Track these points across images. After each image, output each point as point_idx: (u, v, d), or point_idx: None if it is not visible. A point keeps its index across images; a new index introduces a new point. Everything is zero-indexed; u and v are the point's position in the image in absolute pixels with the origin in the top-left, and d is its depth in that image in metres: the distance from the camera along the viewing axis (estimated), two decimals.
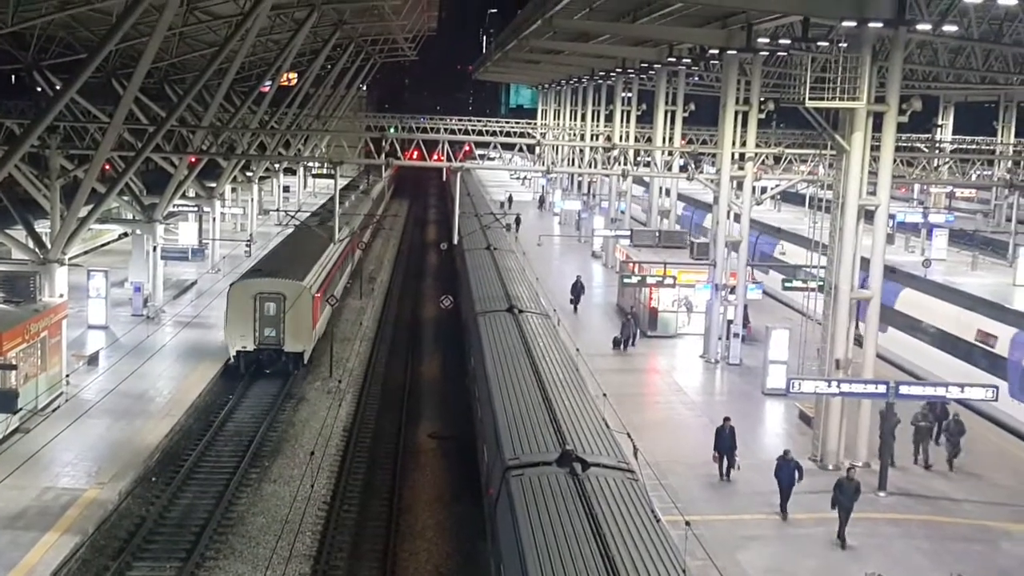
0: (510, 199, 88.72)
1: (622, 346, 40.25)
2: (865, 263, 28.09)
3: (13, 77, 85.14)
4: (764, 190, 46.96)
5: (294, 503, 25.59)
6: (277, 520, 24.70)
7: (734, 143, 38.16)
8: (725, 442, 26.47)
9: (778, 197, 67.73)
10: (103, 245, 60.39)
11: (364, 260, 62.44)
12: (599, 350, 39.45)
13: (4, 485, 21.98)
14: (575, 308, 47.02)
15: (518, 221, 72.08)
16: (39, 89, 48.75)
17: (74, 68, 35.59)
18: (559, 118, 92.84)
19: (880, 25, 25.76)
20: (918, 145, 74.10)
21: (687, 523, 19.31)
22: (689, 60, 43.77)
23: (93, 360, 35.14)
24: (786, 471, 24.17)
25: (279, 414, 33.09)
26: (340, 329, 44.34)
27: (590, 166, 55.14)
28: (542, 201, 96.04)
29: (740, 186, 38.88)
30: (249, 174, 67.37)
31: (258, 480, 27.38)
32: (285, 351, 37.14)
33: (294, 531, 23.96)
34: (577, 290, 47.71)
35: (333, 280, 45.83)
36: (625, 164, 47.70)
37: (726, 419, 26.71)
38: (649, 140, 56.90)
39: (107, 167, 44.90)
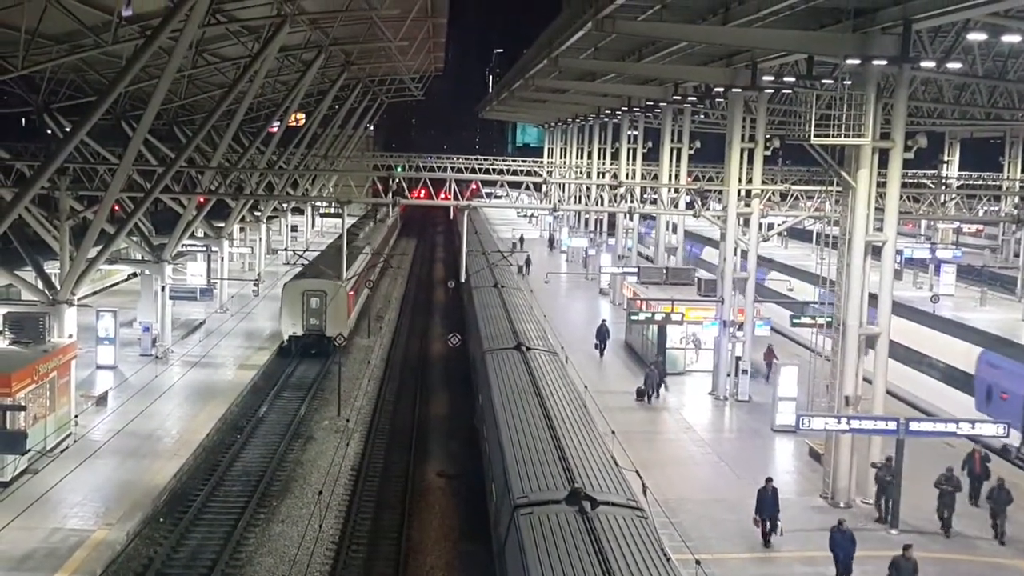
0: (521, 239, 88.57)
1: (647, 397, 38.05)
2: (873, 299, 28.08)
3: (23, 120, 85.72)
4: (771, 226, 47.01)
5: (302, 543, 25.50)
6: (285, 560, 24.60)
7: (740, 180, 38.29)
8: (768, 505, 24.46)
9: (785, 233, 67.81)
10: (112, 286, 60.60)
11: (372, 298, 62.53)
12: (615, 389, 39.45)
13: (12, 526, 21.95)
14: (601, 353, 45.78)
15: (528, 263, 71.97)
16: (49, 131, 49.07)
17: (84, 111, 35.89)
18: (565, 156, 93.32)
19: (884, 63, 25.92)
20: (924, 181, 74.25)
21: (697, 562, 19.20)
22: (694, 98, 43.99)
23: (102, 400, 35.16)
24: (843, 543, 22.36)
25: (287, 453, 33.04)
26: (348, 368, 44.33)
27: (597, 204, 55.31)
28: (552, 241, 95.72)
29: (747, 223, 38.95)
30: (257, 214, 67.65)
31: (266, 520, 27.30)
32: (326, 335, 45.52)
33: (302, 572, 23.86)
34: (603, 335, 46.26)
35: (359, 289, 54.36)
36: (631, 201, 47.82)
37: (768, 480, 24.99)
38: (655, 177, 57.09)
39: (116, 208, 45.07)
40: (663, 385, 38.39)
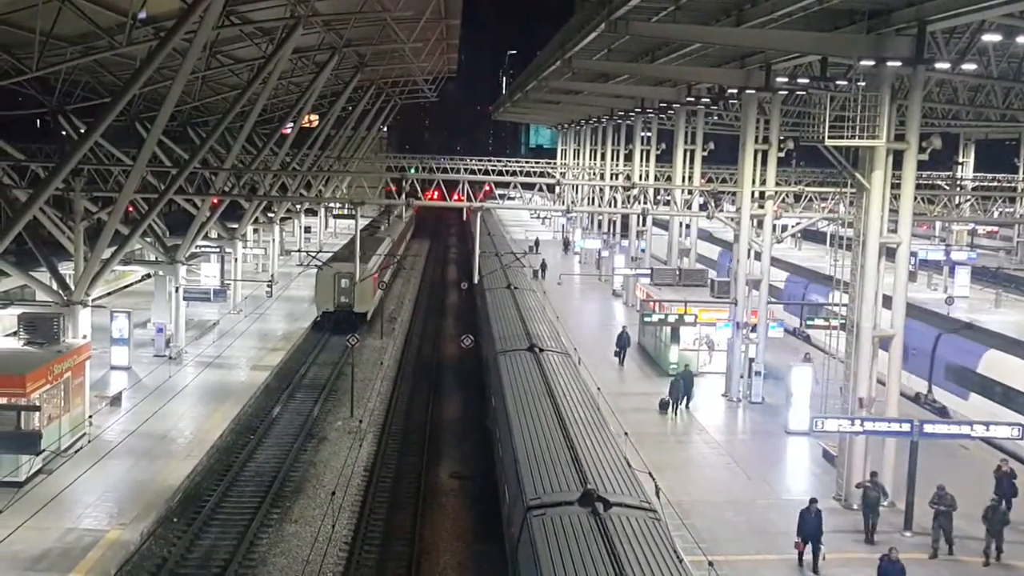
0: (537, 243, 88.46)
1: (671, 409, 36.45)
2: (887, 301, 27.99)
3: (38, 121, 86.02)
4: (785, 228, 46.89)
5: (315, 544, 25.54)
6: (298, 561, 24.65)
7: (754, 181, 38.17)
8: (811, 527, 23.35)
9: (799, 235, 67.67)
10: (126, 287, 60.74)
11: (385, 299, 62.62)
12: (632, 391, 39.34)
13: (27, 526, 22.00)
14: (621, 360, 44.65)
15: (544, 267, 71.65)
16: (64, 133, 49.28)
17: (98, 112, 36.02)
18: (579, 158, 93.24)
19: (898, 64, 25.83)
20: (939, 182, 74.00)
21: (710, 563, 19.17)
22: (708, 99, 43.89)
23: (116, 401, 35.26)
24: (893, 574, 21.18)
25: (300, 454, 33.09)
26: (361, 369, 44.37)
27: (610, 205, 55.25)
28: (567, 244, 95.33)
29: (760, 224, 38.85)
30: (271, 215, 67.75)
31: (279, 520, 27.35)
32: (355, 311, 53.88)
33: (315, 572, 23.89)
34: (623, 342, 45.11)
35: (382, 271, 62.66)
36: (645, 203, 47.74)
37: (812, 500, 23.98)
38: (669, 179, 57.02)
39: (130, 209, 45.24)
40: (689, 397, 37.05)
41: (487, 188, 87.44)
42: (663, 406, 36.72)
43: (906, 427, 25.73)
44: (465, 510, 28.91)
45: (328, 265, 55.11)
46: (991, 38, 33.59)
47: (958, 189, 68.09)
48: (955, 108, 56.96)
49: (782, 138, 38.35)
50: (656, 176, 62.18)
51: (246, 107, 44.55)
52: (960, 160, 79.15)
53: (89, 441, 30.62)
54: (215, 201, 48.29)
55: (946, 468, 28.63)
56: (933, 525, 24.44)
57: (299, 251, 71.46)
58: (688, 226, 56.06)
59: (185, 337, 45.04)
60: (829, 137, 26.36)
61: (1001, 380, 36.07)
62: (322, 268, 54.62)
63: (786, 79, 35.34)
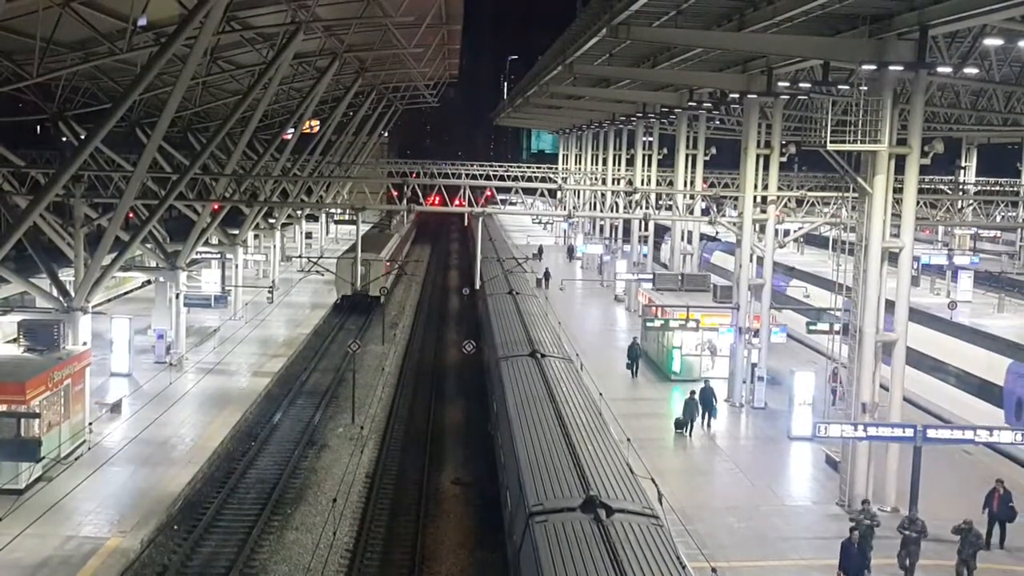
0: (540, 250, 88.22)
1: (687, 429, 34.47)
2: (890, 305, 27.88)
3: (39, 127, 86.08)
4: (787, 233, 46.78)
5: (316, 551, 25.42)
6: (299, 568, 24.53)
7: (756, 186, 38.08)
8: (854, 561, 22.03)
9: (801, 240, 67.55)
10: (126, 293, 60.66)
11: (386, 305, 62.59)
12: (642, 396, 39.22)
13: (26, 534, 21.93)
14: (633, 373, 43.38)
15: (547, 276, 71.44)
16: (64, 139, 49.28)
17: (98, 118, 35.98)
18: (580, 163, 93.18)
19: (900, 68, 25.76)
20: (941, 187, 73.91)
21: (713, 570, 19.06)
22: (709, 104, 43.83)
23: (116, 408, 35.16)
24: None
25: (301, 461, 32.98)
26: (362, 375, 44.26)
27: (612, 210, 55.25)
28: (571, 250, 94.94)
29: (762, 229, 38.75)
30: (272, 221, 67.69)
31: (280, 528, 27.23)
32: (369, 295, 61.31)
33: None
34: (635, 353, 43.77)
35: (393, 261, 72.30)
36: (646, 208, 47.68)
37: (853, 530, 22.54)
38: (671, 184, 56.97)
39: (131, 215, 45.16)
40: (712, 414, 35.32)
41: (488, 193, 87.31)
42: (678, 426, 34.62)
43: (909, 432, 25.61)
44: (467, 516, 28.79)
45: (347, 253, 62.97)
46: (993, 42, 33.50)
47: (960, 193, 67.99)
48: (957, 112, 56.81)
49: (784, 142, 38.26)
50: (658, 181, 62.12)
51: (247, 113, 44.52)
52: (962, 164, 78.98)
53: (89, 448, 30.56)
54: (216, 207, 48.21)
55: (949, 474, 28.55)
56: (900, 553, 22.95)
57: (300, 257, 71.42)
58: (691, 232, 56.05)
59: (186, 343, 44.94)
60: (831, 141, 26.31)
61: None
62: (341, 256, 63.54)
63: (788, 83, 35.25)
